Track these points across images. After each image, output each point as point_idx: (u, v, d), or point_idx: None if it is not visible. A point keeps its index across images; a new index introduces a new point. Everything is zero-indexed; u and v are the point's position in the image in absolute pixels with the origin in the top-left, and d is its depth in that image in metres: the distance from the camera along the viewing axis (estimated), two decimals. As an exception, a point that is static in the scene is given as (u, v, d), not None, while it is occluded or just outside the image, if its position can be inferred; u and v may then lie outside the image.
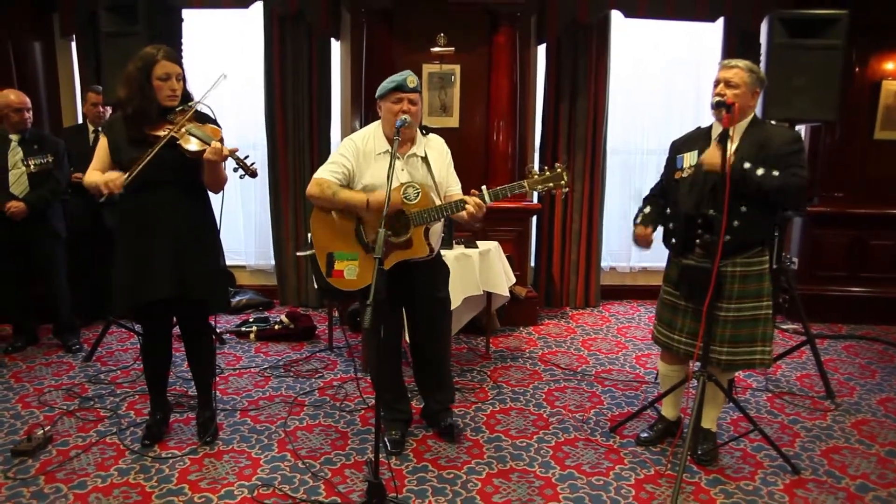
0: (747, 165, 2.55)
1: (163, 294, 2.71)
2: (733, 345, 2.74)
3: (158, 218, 2.71)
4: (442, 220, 2.78)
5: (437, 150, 2.87)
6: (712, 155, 2.61)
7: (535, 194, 5.23)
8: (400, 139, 2.67)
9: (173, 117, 2.68)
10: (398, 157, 2.74)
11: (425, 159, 2.81)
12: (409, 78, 2.71)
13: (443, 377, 3.11)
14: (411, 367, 3.18)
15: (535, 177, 2.72)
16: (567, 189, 2.73)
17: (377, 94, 2.78)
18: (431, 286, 2.92)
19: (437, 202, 2.76)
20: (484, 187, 2.70)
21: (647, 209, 2.93)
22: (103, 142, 2.73)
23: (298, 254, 3.75)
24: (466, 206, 2.67)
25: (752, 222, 2.64)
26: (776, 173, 2.55)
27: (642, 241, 2.89)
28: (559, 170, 2.71)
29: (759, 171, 2.55)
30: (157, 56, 2.63)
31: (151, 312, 2.83)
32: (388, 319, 2.91)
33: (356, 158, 2.78)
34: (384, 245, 2.58)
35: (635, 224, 2.92)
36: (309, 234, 4.22)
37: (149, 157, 2.59)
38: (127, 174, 2.59)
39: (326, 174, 2.76)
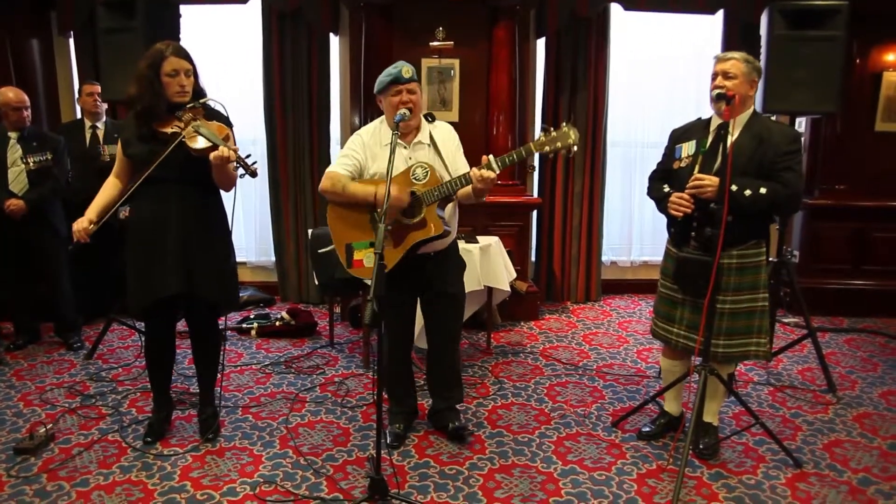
0: (734, 188, 2.54)
1: (170, 291, 2.70)
2: (729, 337, 2.75)
3: (167, 215, 2.71)
4: (453, 197, 2.75)
5: (443, 134, 2.87)
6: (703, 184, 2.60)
7: (535, 189, 5.31)
8: (400, 132, 2.67)
9: (182, 114, 2.67)
10: (405, 147, 2.78)
11: (432, 144, 2.81)
12: (405, 69, 2.71)
13: (450, 375, 3.08)
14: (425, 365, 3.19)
15: (541, 138, 2.61)
16: (576, 148, 2.59)
17: (375, 89, 2.78)
18: (442, 279, 2.90)
19: (447, 179, 2.73)
20: (491, 156, 2.62)
21: (666, 188, 2.81)
22: (119, 144, 2.78)
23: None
24: (480, 172, 2.57)
25: (747, 216, 2.63)
26: (764, 190, 2.55)
27: (685, 203, 2.68)
28: (565, 128, 2.58)
29: (747, 192, 2.55)
30: (166, 52, 2.63)
31: (158, 310, 2.82)
32: (397, 312, 2.92)
33: (364, 150, 2.83)
34: (390, 229, 2.61)
35: (666, 195, 2.75)
36: (309, 231, 4.20)
37: (144, 176, 2.66)
38: (95, 224, 2.68)
39: (338, 168, 2.80)
